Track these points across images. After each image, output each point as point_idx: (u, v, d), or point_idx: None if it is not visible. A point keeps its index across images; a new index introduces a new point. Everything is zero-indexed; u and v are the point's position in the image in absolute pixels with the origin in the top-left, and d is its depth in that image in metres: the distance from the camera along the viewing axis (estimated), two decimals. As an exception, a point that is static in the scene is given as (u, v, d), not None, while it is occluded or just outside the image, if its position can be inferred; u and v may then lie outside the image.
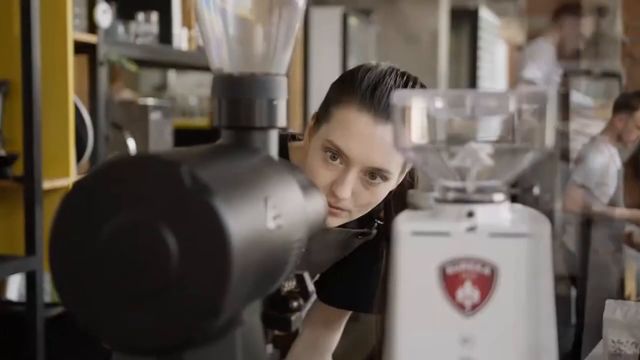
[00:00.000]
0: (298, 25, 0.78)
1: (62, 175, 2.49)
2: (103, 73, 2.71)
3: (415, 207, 0.73)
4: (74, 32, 2.55)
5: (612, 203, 4.27)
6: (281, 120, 0.76)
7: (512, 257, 0.64)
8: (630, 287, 4.12)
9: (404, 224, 0.66)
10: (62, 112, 2.47)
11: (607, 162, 4.41)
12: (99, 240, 0.59)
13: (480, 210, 0.65)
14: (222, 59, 0.75)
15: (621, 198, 4.32)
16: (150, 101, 3.30)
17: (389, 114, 1.22)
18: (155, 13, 3.14)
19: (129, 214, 0.59)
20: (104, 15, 2.65)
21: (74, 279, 0.60)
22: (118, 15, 3.00)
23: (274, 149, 0.76)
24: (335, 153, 1.24)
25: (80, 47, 2.67)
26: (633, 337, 1.67)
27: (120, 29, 2.95)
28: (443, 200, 0.67)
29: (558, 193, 5.00)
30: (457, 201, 0.66)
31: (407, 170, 1.31)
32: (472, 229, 0.65)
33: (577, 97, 4.62)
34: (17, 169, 2.37)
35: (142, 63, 3.37)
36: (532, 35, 7.87)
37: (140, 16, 3.09)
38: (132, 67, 2.83)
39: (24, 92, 2.32)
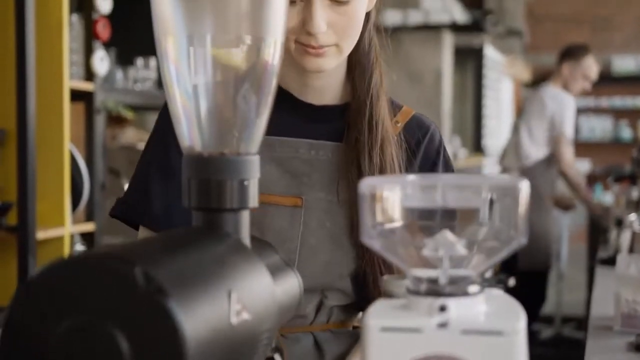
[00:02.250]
0: (271, 100, 0.76)
1: (57, 224, 2.46)
2: (100, 120, 2.70)
3: (389, 295, 0.70)
4: (71, 80, 2.54)
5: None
6: (253, 201, 0.73)
7: (486, 355, 0.61)
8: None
9: (374, 319, 0.63)
10: (58, 161, 2.45)
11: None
12: (49, 343, 0.56)
13: (453, 304, 0.62)
14: (192, 137, 0.73)
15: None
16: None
17: None
18: (154, 58, 3.14)
19: (80, 315, 0.56)
20: (101, 62, 2.64)
21: (24, 381, 0.58)
22: (117, 60, 2.99)
23: (245, 231, 0.73)
24: None
25: (78, 95, 2.66)
26: (651, 294, 1.44)
27: (119, 74, 2.94)
28: (415, 292, 0.64)
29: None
30: (429, 293, 0.63)
31: None
32: (443, 325, 0.62)
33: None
34: (11, 218, 2.35)
35: (140, 108, 3.36)
36: (538, 72, 7.87)
37: (140, 62, 3.08)
38: (129, 114, 2.81)
39: (19, 140, 2.31)
